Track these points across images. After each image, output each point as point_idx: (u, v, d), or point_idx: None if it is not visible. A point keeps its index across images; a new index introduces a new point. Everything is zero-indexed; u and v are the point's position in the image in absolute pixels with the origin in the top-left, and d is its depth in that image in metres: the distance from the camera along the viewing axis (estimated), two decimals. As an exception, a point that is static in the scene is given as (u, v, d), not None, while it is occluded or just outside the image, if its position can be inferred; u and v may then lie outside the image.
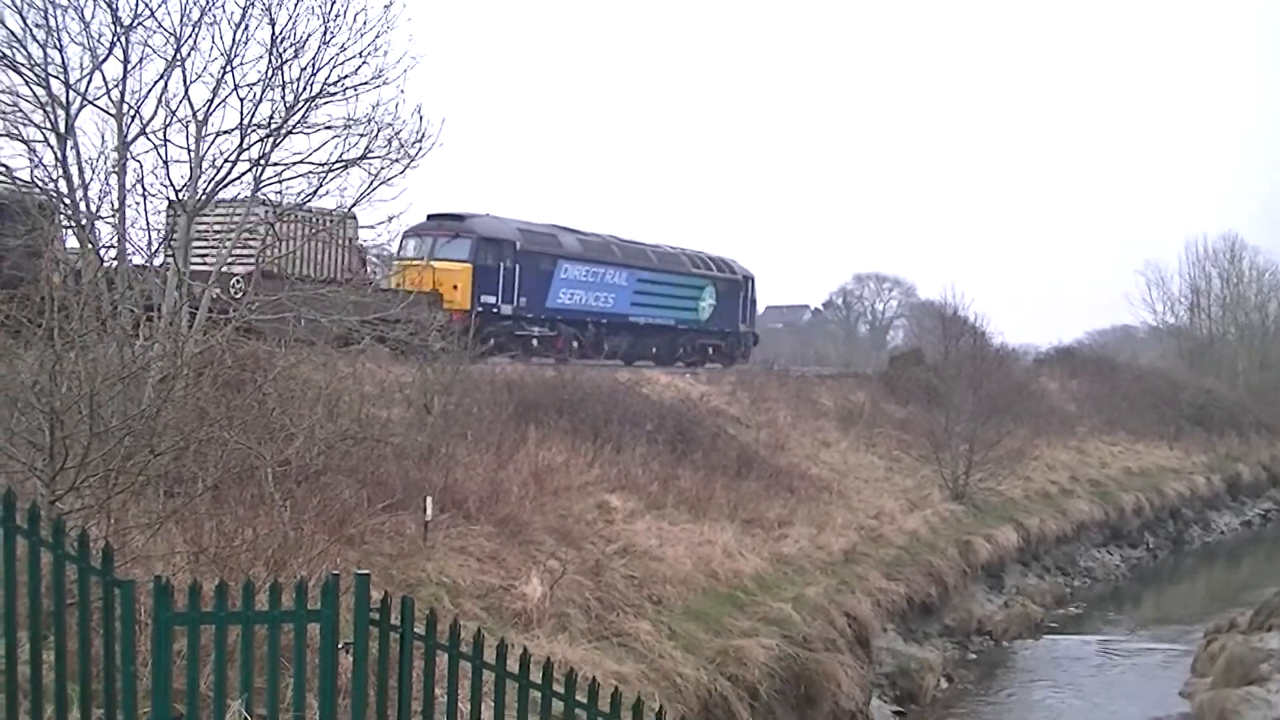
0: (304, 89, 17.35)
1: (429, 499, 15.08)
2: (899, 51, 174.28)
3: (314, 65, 17.30)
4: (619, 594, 16.98)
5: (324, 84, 17.45)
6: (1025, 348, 63.44)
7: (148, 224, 17.32)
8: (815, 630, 19.27)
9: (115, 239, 16.68)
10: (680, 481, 23.33)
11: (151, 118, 17.07)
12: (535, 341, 39.13)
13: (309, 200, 18.26)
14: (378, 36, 17.38)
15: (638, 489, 21.88)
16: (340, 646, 8.91)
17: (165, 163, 17.72)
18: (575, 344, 40.66)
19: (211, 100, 17.08)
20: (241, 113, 17.34)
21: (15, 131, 17.41)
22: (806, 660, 18.15)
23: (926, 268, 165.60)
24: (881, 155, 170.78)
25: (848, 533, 25.05)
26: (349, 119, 17.79)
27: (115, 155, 17.08)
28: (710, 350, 48.04)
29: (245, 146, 17.42)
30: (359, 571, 9.32)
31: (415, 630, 9.14)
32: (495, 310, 37.02)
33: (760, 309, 56.93)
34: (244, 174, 17.78)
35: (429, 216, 36.66)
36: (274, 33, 17.00)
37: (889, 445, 36.78)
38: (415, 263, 30.97)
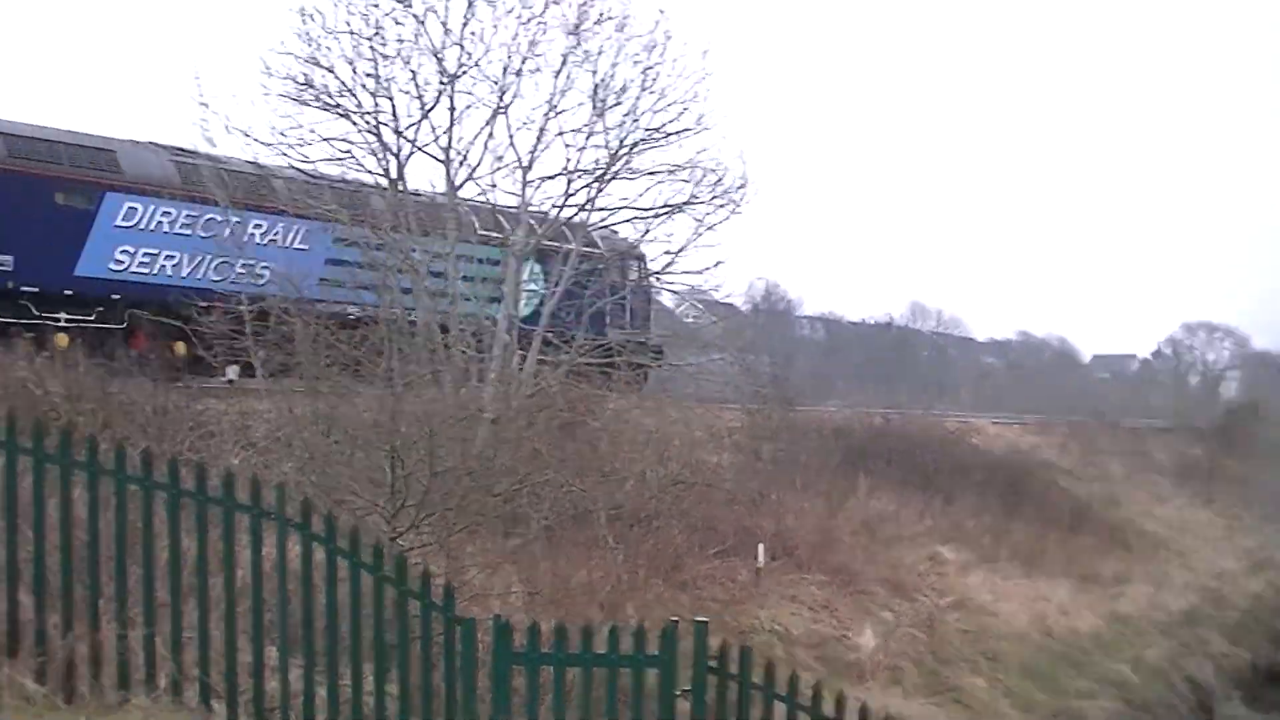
0: (626, 134, 17.53)
1: (761, 546, 14.94)
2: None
3: (634, 112, 17.48)
4: (952, 648, 16.62)
5: (646, 130, 17.61)
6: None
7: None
8: (1155, 694, 18.53)
9: (448, 282, 17.08)
10: (1012, 535, 22.73)
11: (478, 164, 17.52)
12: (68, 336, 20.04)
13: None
14: (697, 83, 17.48)
15: (969, 541, 21.37)
16: (678, 693, 8.75)
17: (492, 209, 18.11)
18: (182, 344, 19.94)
19: (535, 146, 17.41)
20: (566, 158, 17.62)
21: (349, 178, 18.15)
22: (1147, 724, 17.38)
23: (1262, 317, 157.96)
24: (1213, 197, 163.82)
25: (1187, 593, 24.21)
26: (672, 165, 17.88)
27: (445, 201, 17.55)
28: None
29: (571, 192, 17.67)
30: (698, 619, 9.19)
31: (753, 680, 8.90)
32: None
33: (1087, 357, 52.28)
34: (570, 219, 18.06)
35: None
36: (595, 80, 17.27)
37: (1227, 502, 35.12)
38: None
